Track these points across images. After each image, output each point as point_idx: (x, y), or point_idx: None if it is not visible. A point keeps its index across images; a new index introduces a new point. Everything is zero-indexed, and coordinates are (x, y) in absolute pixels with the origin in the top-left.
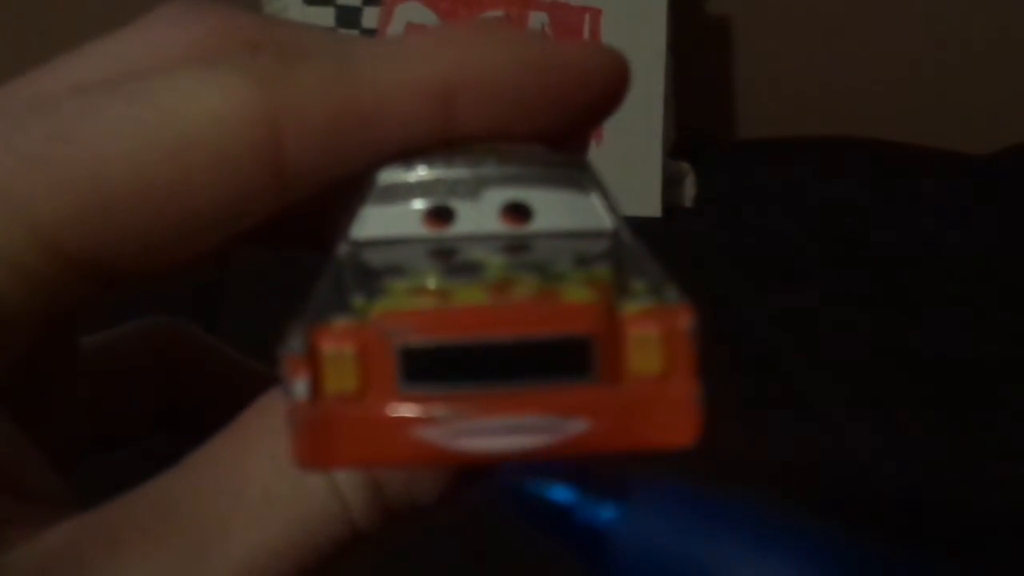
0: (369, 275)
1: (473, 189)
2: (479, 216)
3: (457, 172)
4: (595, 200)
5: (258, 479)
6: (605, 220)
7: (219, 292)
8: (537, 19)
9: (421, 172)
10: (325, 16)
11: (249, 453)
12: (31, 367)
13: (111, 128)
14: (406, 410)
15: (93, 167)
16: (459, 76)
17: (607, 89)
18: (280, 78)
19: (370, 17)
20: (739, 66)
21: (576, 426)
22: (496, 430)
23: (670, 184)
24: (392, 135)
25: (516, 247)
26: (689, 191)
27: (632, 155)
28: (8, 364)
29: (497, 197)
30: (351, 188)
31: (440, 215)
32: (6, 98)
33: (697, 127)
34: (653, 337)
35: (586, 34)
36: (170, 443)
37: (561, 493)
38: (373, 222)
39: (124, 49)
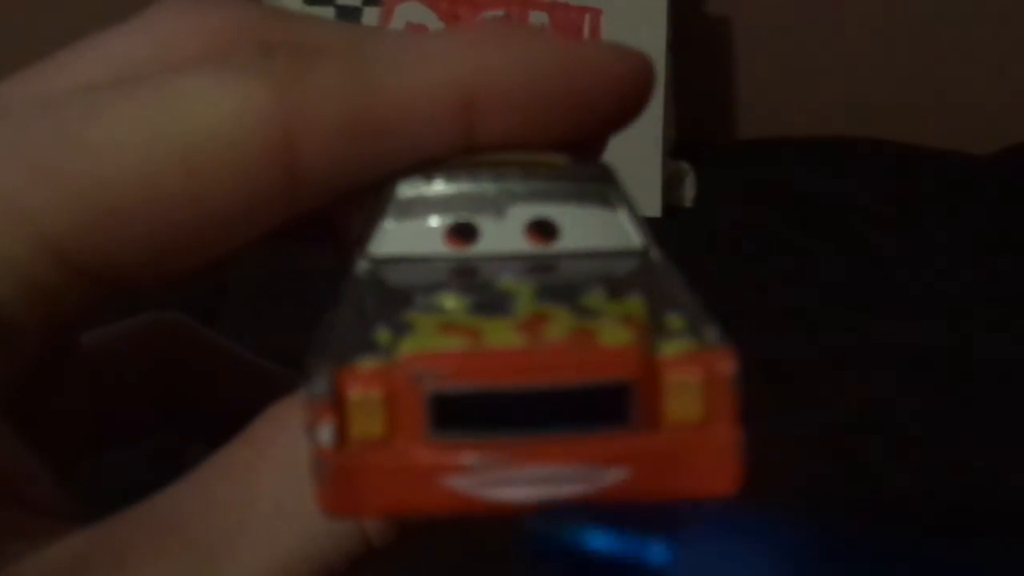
0: (392, 301)
1: (497, 205)
2: (503, 234)
3: (480, 187)
4: (622, 216)
5: (269, 493)
6: (633, 238)
7: (220, 292)
8: (537, 19)
9: (443, 186)
10: (325, 15)
11: (260, 465)
12: (32, 374)
13: (120, 132)
14: (435, 458)
15: (101, 173)
16: (481, 82)
17: (633, 94)
18: (295, 81)
19: (370, 17)
20: (739, 66)
21: (613, 475)
22: (529, 480)
23: (670, 184)
24: (410, 142)
25: (542, 268)
26: (689, 191)
27: (632, 155)
28: (13, 374)
29: (522, 214)
30: (368, 192)
31: (463, 232)
32: (9, 96)
33: (697, 127)
34: (694, 383)
35: (586, 34)
36: (171, 443)
37: (600, 539)
38: (393, 238)
39: (131, 44)
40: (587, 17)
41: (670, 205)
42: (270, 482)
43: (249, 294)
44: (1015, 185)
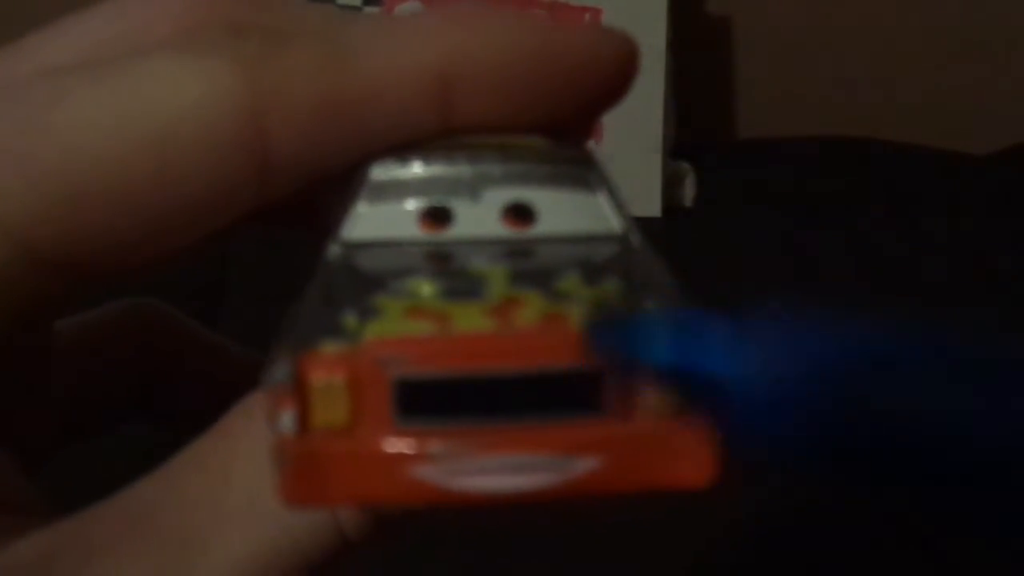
0: (361, 286)
1: (473, 188)
2: (479, 218)
3: (456, 169)
4: (602, 200)
5: (243, 486)
6: (613, 222)
7: (219, 290)
8: None
9: (417, 168)
10: None
11: (234, 459)
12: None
13: (85, 117)
14: (400, 446)
15: (65, 160)
16: (458, 63)
17: (615, 76)
18: (265, 63)
19: None
20: (739, 66)
21: (584, 465)
22: (498, 469)
23: (670, 184)
24: (385, 125)
25: (518, 252)
26: (689, 191)
27: (632, 155)
28: None
29: (498, 197)
30: (342, 175)
31: (437, 216)
32: None
33: (697, 127)
34: None
35: None
36: (146, 431)
37: (660, 352)
38: (366, 222)
39: (100, 26)
40: (587, 17)
41: (670, 205)
42: (243, 476)
43: (249, 292)
44: (1015, 185)
